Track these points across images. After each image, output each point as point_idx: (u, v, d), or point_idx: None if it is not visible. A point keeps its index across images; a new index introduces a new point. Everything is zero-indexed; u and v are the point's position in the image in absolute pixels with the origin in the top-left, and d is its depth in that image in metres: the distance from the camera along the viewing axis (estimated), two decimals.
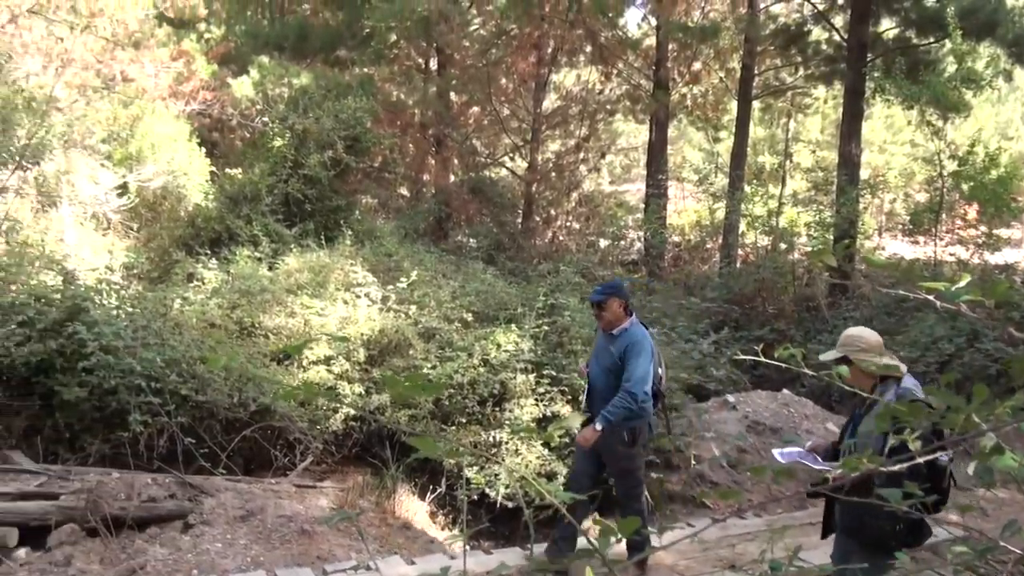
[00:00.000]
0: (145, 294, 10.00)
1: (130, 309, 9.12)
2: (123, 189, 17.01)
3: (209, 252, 13.05)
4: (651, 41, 24.00)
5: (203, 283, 11.56)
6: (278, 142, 15.80)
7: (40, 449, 7.78)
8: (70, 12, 16.70)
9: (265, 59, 20.44)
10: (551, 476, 8.58)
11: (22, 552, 6.37)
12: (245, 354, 9.44)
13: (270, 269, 12.52)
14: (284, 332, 10.59)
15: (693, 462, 9.76)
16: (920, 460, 3.77)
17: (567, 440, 8.61)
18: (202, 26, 23.81)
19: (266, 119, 18.64)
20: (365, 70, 22.51)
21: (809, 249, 17.79)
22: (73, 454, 7.89)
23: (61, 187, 14.15)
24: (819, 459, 4.83)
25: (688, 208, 31.95)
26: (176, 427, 7.96)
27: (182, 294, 10.70)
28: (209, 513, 7.32)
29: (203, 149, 19.41)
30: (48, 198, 12.71)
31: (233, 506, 7.43)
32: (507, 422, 9.13)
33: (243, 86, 19.98)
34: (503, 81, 23.87)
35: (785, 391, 12.23)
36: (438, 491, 8.74)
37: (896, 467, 4.04)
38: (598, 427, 6.38)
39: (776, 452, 4.95)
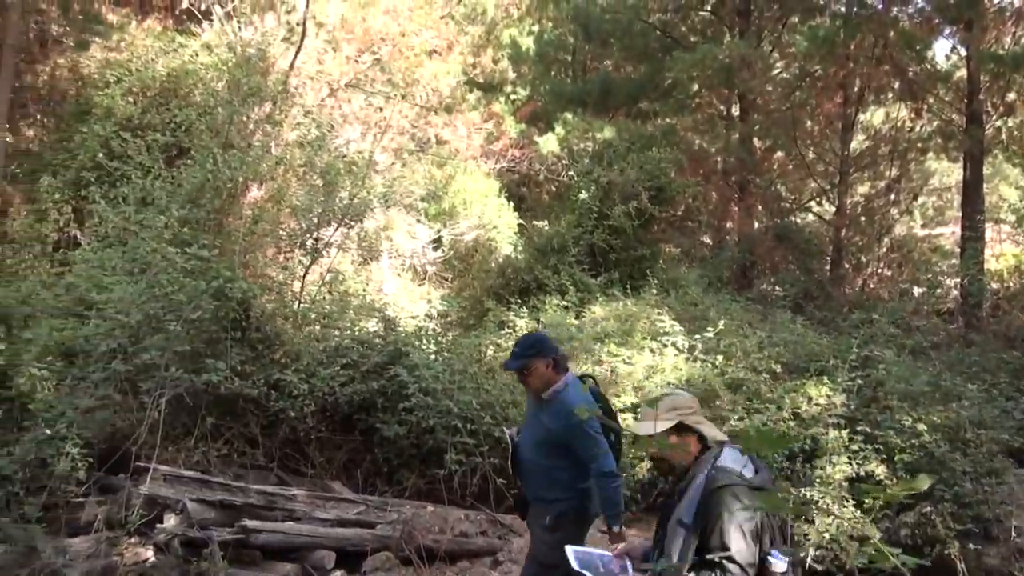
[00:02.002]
0: (460, 340, 10.51)
1: (446, 354, 9.60)
2: (437, 242, 18.07)
3: (519, 301, 13.52)
4: (961, 73, 22.57)
5: (514, 331, 11.97)
6: (583, 194, 16.18)
7: (359, 480, 8.35)
8: (385, 84, 18.03)
9: (569, 115, 21.05)
10: (862, 540, 8.12)
11: (338, 574, 6.79)
12: None
13: (577, 318, 12.79)
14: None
15: (1014, 534, 8.91)
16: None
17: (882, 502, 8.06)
18: (508, 88, 25.00)
19: (571, 173, 19.19)
20: (667, 120, 22.64)
21: None
22: (390, 487, 8.38)
23: (381, 242, 15.21)
24: (629, 566, 3.92)
25: (1006, 252, 29.55)
26: (489, 467, 8.26)
27: (495, 340, 11.13)
28: (517, 552, 7.51)
29: (511, 203, 20.24)
30: (369, 252, 13.71)
31: None
32: (817, 480, 8.72)
33: (549, 142, 20.67)
34: (808, 123, 23.22)
35: None
36: None
37: None
38: (616, 529, 5.08)
39: (570, 551, 4.06)
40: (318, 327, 9.52)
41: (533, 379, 5.10)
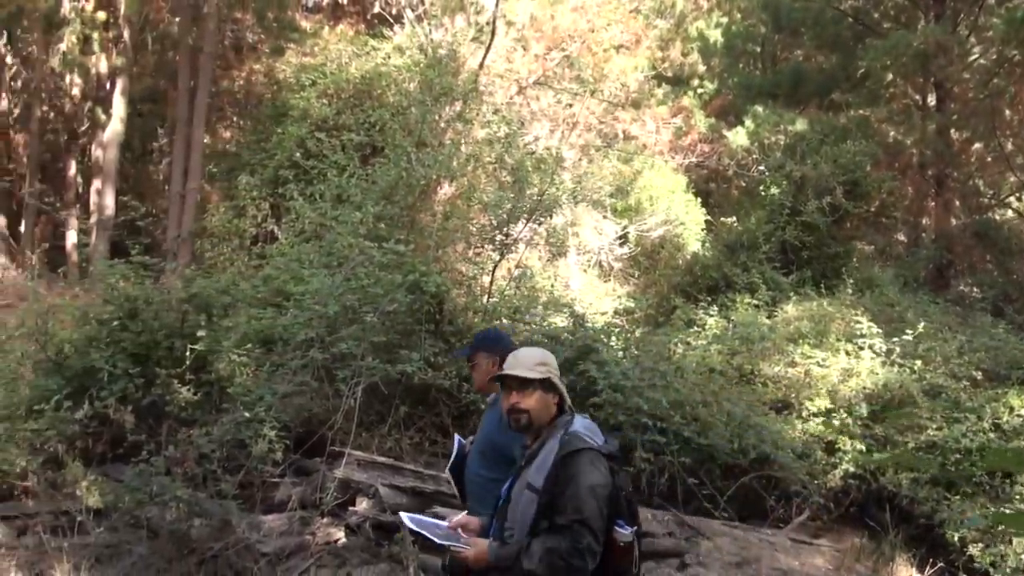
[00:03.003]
0: (649, 338, 10.37)
1: (635, 352, 9.46)
2: (624, 239, 17.95)
3: (707, 299, 13.27)
4: None
5: (703, 329, 11.73)
6: (775, 190, 15.75)
7: None
8: (572, 81, 18.04)
9: (759, 108, 20.56)
10: None
11: None
12: (745, 401, 9.41)
13: (769, 317, 12.44)
14: (783, 381, 10.45)
15: None
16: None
17: None
18: (695, 82, 24.63)
19: (762, 167, 18.73)
20: (861, 111, 21.79)
21: None
22: None
23: (568, 238, 15.21)
24: (462, 537, 3.55)
25: None
26: (678, 467, 8.08)
27: (683, 339, 10.93)
28: (705, 555, 7.32)
29: (698, 199, 19.92)
30: (557, 248, 13.72)
31: (729, 552, 7.37)
32: (1017, 496, 8.16)
33: (739, 136, 20.24)
34: (1007, 113, 21.92)
35: None
36: (937, 565, 8.04)
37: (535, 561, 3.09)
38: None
39: (405, 516, 3.73)
40: (508, 322, 9.54)
41: (476, 374, 4.70)
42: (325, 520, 6.88)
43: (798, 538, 8.16)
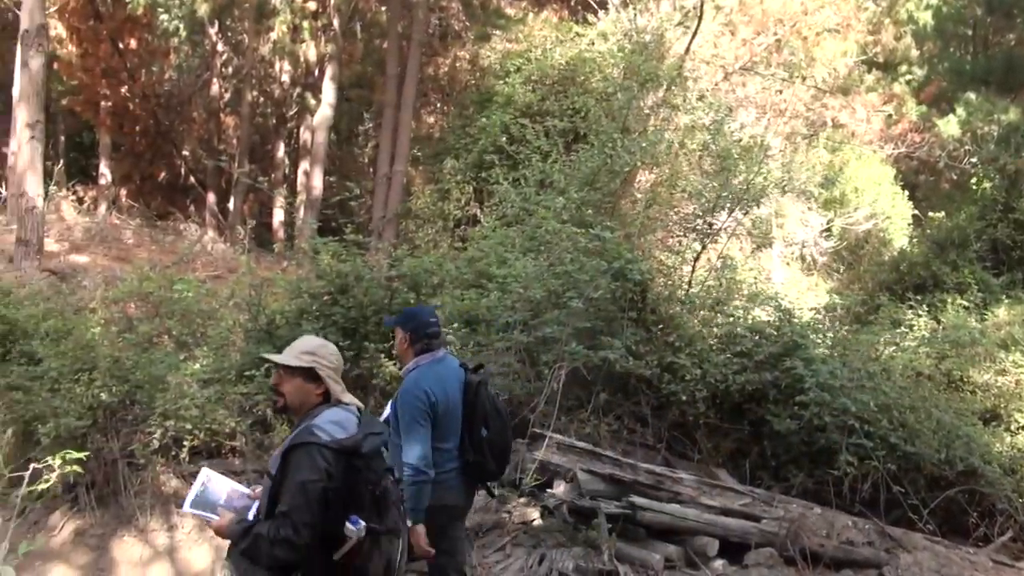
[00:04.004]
0: (855, 337, 9.97)
1: (841, 350, 9.11)
2: (828, 232, 17.36)
3: (915, 298, 12.66)
4: None
5: (910, 330, 11.21)
6: (987, 184, 14.86)
7: (745, 471, 8.09)
8: (779, 66, 17.53)
9: (971, 95, 19.40)
10: None
11: (719, 563, 6.60)
12: (954, 409, 8.92)
13: (978, 320, 11.77)
14: (992, 390, 9.89)
15: None
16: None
17: None
18: (903, 67, 23.50)
19: (974, 159, 17.73)
20: None
21: None
22: (776, 482, 8.06)
23: (772, 229, 14.81)
24: (254, 508, 3.58)
25: None
26: (883, 474, 7.73)
27: (890, 339, 10.46)
28: (904, 569, 6.95)
29: (905, 192, 19.06)
30: (761, 239, 13.38)
31: (928, 568, 6.97)
32: None
33: (949, 125, 19.16)
34: None
35: None
36: None
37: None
38: (409, 523, 4.46)
39: (205, 471, 3.74)
40: (710, 312, 9.36)
41: (396, 346, 5.15)
42: (522, 500, 6.94)
43: (999, 559, 7.66)
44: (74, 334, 8.53)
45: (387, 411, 5.08)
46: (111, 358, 7.95)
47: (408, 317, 5.05)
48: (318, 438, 3.36)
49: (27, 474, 3.06)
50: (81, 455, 3.18)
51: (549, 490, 6.92)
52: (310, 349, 3.67)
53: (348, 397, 3.67)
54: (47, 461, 3.20)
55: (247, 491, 3.85)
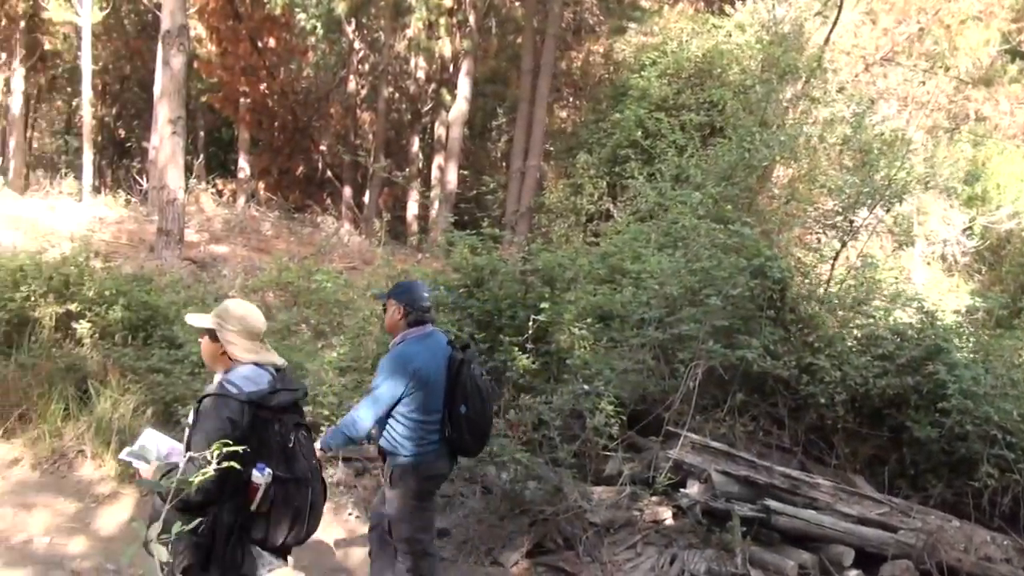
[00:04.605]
0: (999, 341, 9.54)
1: (985, 355, 8.73)
2: (970, 230, 16.71)
3: None
4: None
5: None
6: None
7: (883, 479, 7.83)
8: (921, 56, 16.94)
9: None
10: None
11: (853, 574, 6.42)
12: None
13: None
14: None
15: None
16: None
17: None
18: None
19: None
20: None
21: None
22: (914, 491, 7.76)
23: (913, 227, 14.31)
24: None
25: None
26: None
27: None
28: None
29: None
30: (903, 238, 12.94)
31: None
32: None
33: None
34: None
35: None
36: None
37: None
38: (395, 492, 5.06)
39: (147, 432, 4.01)
40: (850, 313, 9.10)
41: (386, 317, 5.28)
42: (654, 499, 6.87)
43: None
44: None
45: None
46: None
47: (403, 290, 5.26)
48: (227, 391, 3.63)
49: (182, 460, 3.18)
50: (238, 448, 3.28)
51: (682, 490, 6.85)
52: (220, 311, 3.91)
53: (268, 356, 3.88)
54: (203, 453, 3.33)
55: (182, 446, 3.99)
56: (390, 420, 5.02)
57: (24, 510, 6.96)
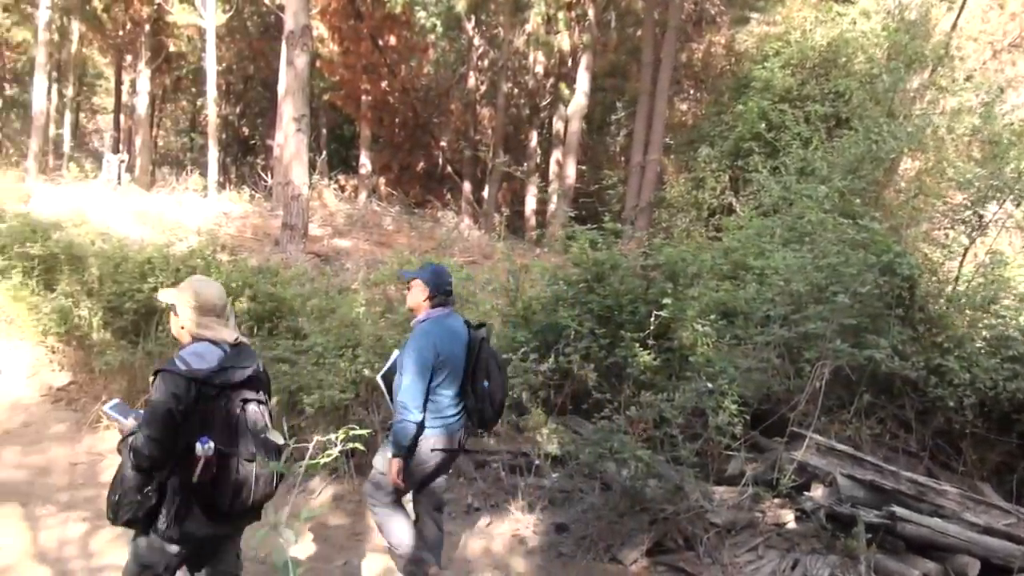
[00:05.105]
0: None
1: None
2: None
3: None
4: None
5: None
6: None
7: (1012, 488, 7.51)
8: None
9: None
10: None
11: None
12: None
13: None
14: None
15: None
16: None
17: None
18: None
19: None
20: None
21: None
22: None
23: None
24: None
25: None
26: None
27: None
28: None
29: None
30: None
31: None
32: None
33: None
34: None
35: None
36: None
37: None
38: (388, 455, 5.29)
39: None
40: (979, 312, 8.72)
41: (409, 296, 5.56)
42: (777, 501, 6.73)
43: None
44: (338, 313, 9.01)
45: (394, 356, 5.58)
46: (374, 336, 8.30)
47: (431, 273, 5.51)
48: (175, 366, 3.85)
49: (311, 444, 3.23)
50: (364, 432, 3.33)
51: (806, 493, 6.69)
52: (180, 287, 4.19)
53: (223, 334, 4.06)
54: (328, 436, 3.38)
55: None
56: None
57: None
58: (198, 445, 3.75)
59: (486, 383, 5.41)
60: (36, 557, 6.02)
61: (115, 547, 6.00)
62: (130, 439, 3.87)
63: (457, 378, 5.37)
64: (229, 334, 4.08)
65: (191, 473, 3.77)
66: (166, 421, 3.75)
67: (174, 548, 3.95)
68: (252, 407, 3.98)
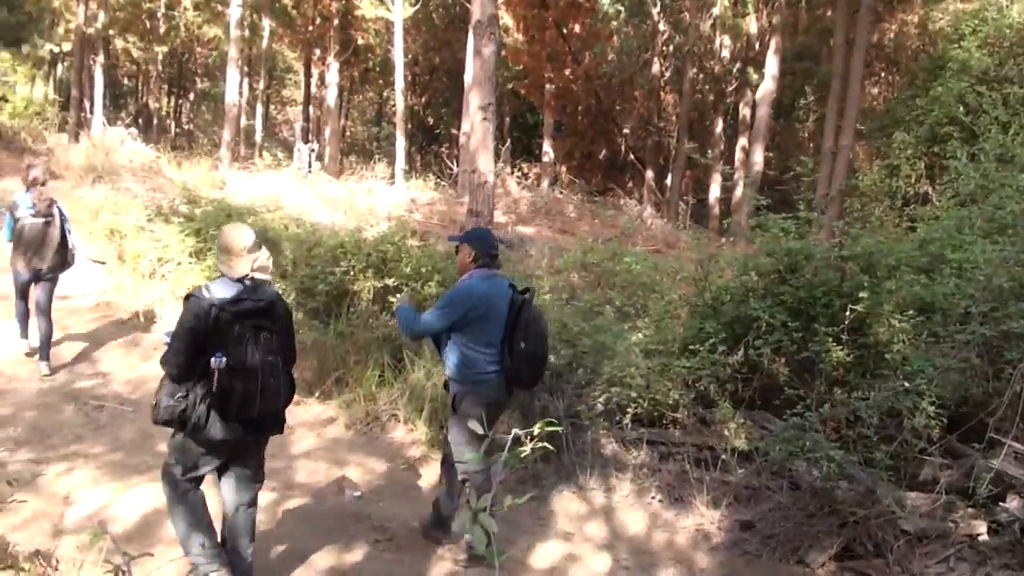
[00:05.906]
0: None
1: None
2: None
3: None
4: None
5: None
6: None
7: None
8: None
9: None
10: None
11: None
12: None
13: None
14: None
15: None
16: None
17: None
18: None
19: None
20: None
21: None
22: None
23: None
24: None
25: None
26: None
27: None
28: None
29: None
30: None
31: None
32: None
33: None
34: None
35: None
36: None
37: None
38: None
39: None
40: None
41: (458, 258, 5.96)
42: (971, 511, 6.34)
43: None
44: None
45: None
46: (559, 323, 8.38)
47: (475, 237, 5.99)
48: (200, 292, 4.71)
49: (509, 437, 3.30)
50: (558, 428, 3.40)
51: (1002, 503, 6.30)
52: (219, 236, 5.05)
53: (238, 271, 4.80)
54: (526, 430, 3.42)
55: None
56: (452, 349, 5.75)
57: (336, 466, 7.59)
58: (212, 360, 4.57)
59: (523, 344, 5.67)
60: None
61: None
62: (164, 352, 4.73)
63: (496, 336, 5.71)
64: (240, 271, 4.80)
65: (211, 384, 4.58)
66: (188, 337, 4.61)
67: (200, 449, 4.78)
68: (264, 334, 4.75)
